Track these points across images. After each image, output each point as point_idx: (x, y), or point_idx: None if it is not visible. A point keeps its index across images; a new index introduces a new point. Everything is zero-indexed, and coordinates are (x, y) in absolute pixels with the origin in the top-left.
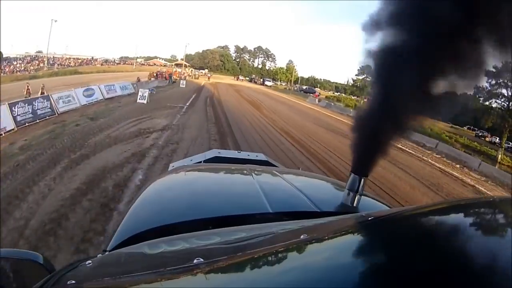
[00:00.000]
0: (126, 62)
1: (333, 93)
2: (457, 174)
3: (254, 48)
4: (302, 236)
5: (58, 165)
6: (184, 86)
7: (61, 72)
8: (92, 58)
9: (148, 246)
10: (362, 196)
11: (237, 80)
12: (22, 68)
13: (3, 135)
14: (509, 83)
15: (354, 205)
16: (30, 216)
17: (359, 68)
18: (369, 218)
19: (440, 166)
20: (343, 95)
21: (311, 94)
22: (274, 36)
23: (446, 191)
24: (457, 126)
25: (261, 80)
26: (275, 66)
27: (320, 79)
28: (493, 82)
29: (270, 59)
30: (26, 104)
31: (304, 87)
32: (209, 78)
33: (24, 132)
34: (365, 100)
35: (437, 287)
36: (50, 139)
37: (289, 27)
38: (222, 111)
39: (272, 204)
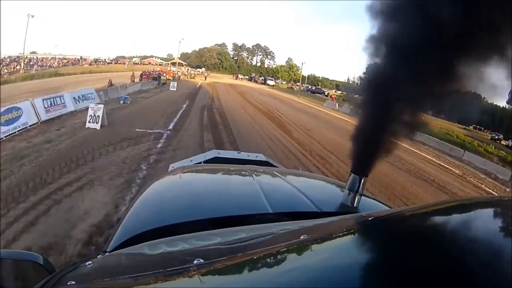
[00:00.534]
0: (119, 62)
1: (337, 92)
2: None
3: (253, 46)
4: (302, 237)
5: None
6: (174, 89)
7: (39, 74)
8: (81, 57)
9: (148, 247)
10: (362, 196)
11: (236, 79)
12: None
13: None
14: None
15: (354, 205)
16: None
17: (367, 66)
18: (369, 218)
19: (490, 189)
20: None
21: (328, 97)
22: (273, 33)
23: None
24: (462, 126)
25: (262, 79)
26: (274, 64)
27: (319, 77)
28: None
29: (269, 57)
30: None
31: (312, 87)
32: (206, 77)
33: None
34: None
35: (437, 287)
36: None
37: (288, 24)
38: (232, 138)
39: (272, 204)
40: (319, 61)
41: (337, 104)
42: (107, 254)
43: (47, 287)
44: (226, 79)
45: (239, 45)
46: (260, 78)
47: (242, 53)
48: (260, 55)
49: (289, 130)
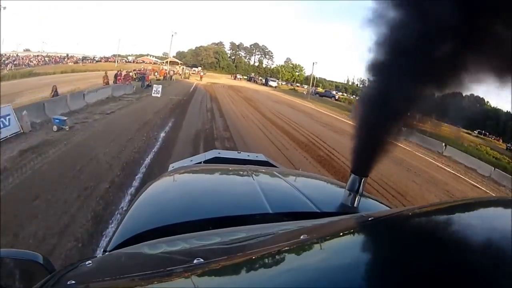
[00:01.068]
0: (109, 60)
1: (338, 93)
2: None
3: (250, 45)
4: (302, 237)
5: None
6: (158, 95)
7: (9, 75)
8: (67, 55)
9: (148, 247)
10: (362, 197)
11: (234, 79)
12: None
13: None
14: None
15: (354, 205)
16: None
17: (368, 66)
18: (369, 219)
19: None
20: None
21: (339, 101)
22: (271, 32)
23: None
24: (467, 131)
25: (263, 79)
26: (272, 64)
27: (317, 77)
28: None
29: (267, 56)
30: None
31: (321, 90)
32: (201, 77)
33: None
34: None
35: (437, 287)
36: None
37: (286, 23)
38: None
39: (272, 204)
40: (317, 61)
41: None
42: (107, 253)
43: (47, 287)
44: (224, 79)
45: (237, 44)
46: (261, 79)
47: (239, 52)
48: (258, 54)
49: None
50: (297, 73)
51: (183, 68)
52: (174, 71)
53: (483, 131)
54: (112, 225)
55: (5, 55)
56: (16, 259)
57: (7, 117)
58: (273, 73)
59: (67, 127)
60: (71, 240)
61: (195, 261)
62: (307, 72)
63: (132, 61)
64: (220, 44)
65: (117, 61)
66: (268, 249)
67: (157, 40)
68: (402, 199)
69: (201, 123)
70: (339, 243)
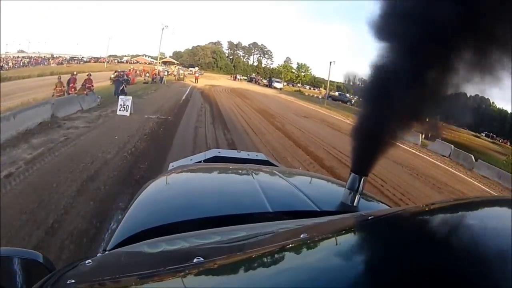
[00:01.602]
0: (99, 60)
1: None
2: None
3: (249, 44)
4: (302, 235)
5: None
6: (127, 113)
7: None
8: (52, 55)
9: (148, 246)
10: (362, 196)
11: (234, 80)
12: None
13: None
14: None
15: (354, 204)
16: None
17: (369, 66)
18: (369, 218)
19: None
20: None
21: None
22: (270, 31)
23: None
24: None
25: (267, 80)
26: (271, 64)
27: (318, 78)
28: None
29: (266, 56)
30: None
31: (335, 92)
32: (196, 78)
33: None
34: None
35: (437, 287)
36: None
37: (285, 22)
38: None
39: (272, 203)
40: (317, 61)
41: (420, 137)
42: (106, 252)
43: (47, 286)
44: (223, 80)
45: (235, 43)
46: (263, 80)
47: (238, 52)
48: (257, 54)
49: None
50: (302, 73)
51: (177, 68)
52: (168, 71)
53: (490, 133)
54: None
55: None
56: (15, 258)
57: None
58: (273, 73)
59: None
60: None
61: (195, 260)
62: (313, 72)
63: (125, 62)
64: (218, 43)
65: (108, 61)
66: (268, 248)
67: (154, 40)
68: None
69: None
70: (339, 242)
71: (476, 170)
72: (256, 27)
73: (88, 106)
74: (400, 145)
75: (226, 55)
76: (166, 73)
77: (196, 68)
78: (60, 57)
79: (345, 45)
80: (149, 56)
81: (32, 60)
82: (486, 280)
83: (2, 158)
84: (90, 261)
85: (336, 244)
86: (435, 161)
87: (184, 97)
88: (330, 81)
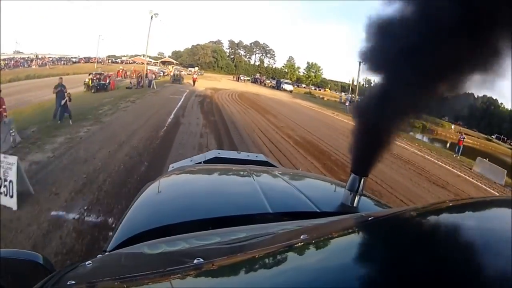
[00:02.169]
0: (90, 61)
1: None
2: None
3: (251, 43)
4: (302, 236)
5: None
6: (13, 203)
7: None
8: (37, 56)
9: (148, 247)
10: (362, 196)
11: (237, 80)
12: None
13: None
14: None
15: (354, 205)
16: None
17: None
18: (369, 218)
19: None
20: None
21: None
22: (271, 30)
23: None
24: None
25: (272, 81)
26: (274, 63)
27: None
28: None
29: (268, 55)
30: None
31: (348, 95)
32: (194, 81)
33: None
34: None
35: (437, 287)
36: None
37: (287, 21)
38: None
39: (272, 204)
40: (320, 61)
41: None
42: (106, 253)
43: (47, 287)
44: (226, 81)
45: (236, 42)
46: (269, 81)
47: (239, 51)
48: (258, 53)
49: None
50: (313, 74)
51: (174, 69)
52: (164, 71)
53: (501, 136)
54: None
55: None
56: (16, 259)
57: None
58: (276, 72)
59: None
60: None
61: (195, 261)
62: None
63: (121, 62)
64: (218, 42)
65: (100, 62)
66: (268, 249)
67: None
68: None
69: None
70: (339, 242)
71: None
72: (258, 26)
73: None
74: (482, 185)
75: (227, 54)
76: (161, 73)
77: (196, 68)
78: (45, 57)
79: (349, 45)
80: (148, 56)
81: (12, 62)
82: (487, 281)
83: None
84: (90, 262)
85: (336, 245)
86: None
87: (172, 117)
88: (334, 81)
